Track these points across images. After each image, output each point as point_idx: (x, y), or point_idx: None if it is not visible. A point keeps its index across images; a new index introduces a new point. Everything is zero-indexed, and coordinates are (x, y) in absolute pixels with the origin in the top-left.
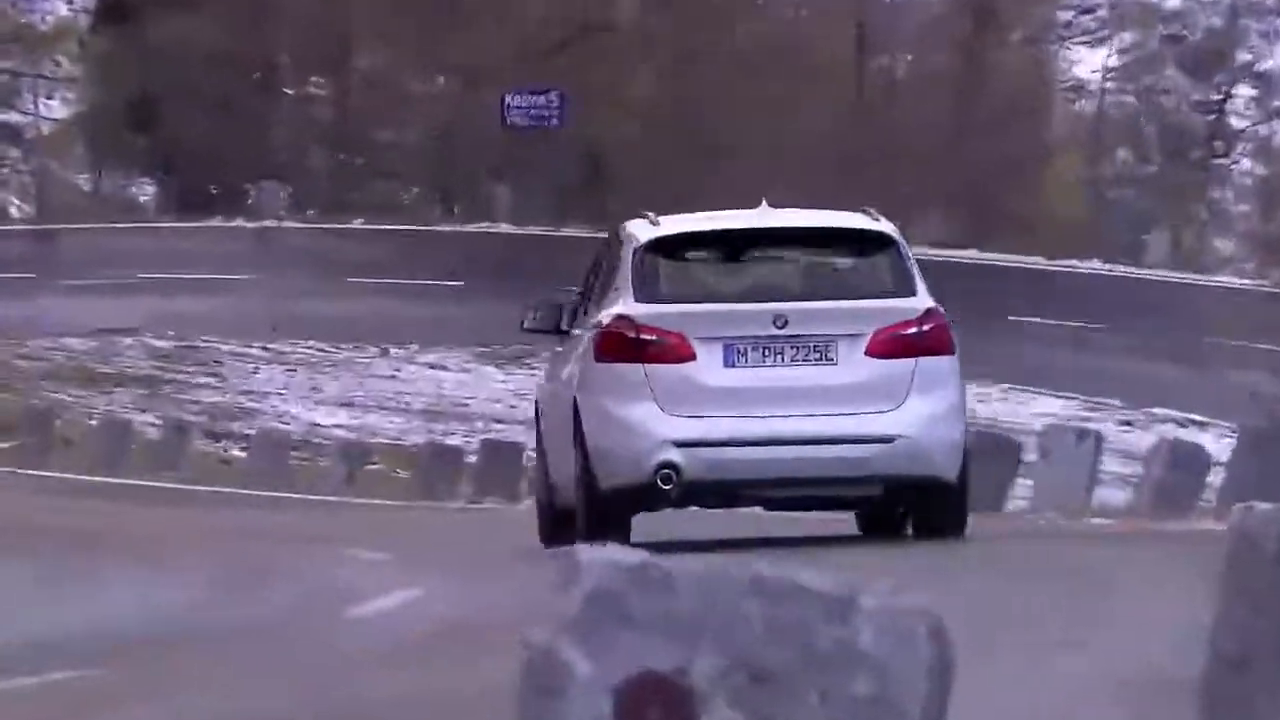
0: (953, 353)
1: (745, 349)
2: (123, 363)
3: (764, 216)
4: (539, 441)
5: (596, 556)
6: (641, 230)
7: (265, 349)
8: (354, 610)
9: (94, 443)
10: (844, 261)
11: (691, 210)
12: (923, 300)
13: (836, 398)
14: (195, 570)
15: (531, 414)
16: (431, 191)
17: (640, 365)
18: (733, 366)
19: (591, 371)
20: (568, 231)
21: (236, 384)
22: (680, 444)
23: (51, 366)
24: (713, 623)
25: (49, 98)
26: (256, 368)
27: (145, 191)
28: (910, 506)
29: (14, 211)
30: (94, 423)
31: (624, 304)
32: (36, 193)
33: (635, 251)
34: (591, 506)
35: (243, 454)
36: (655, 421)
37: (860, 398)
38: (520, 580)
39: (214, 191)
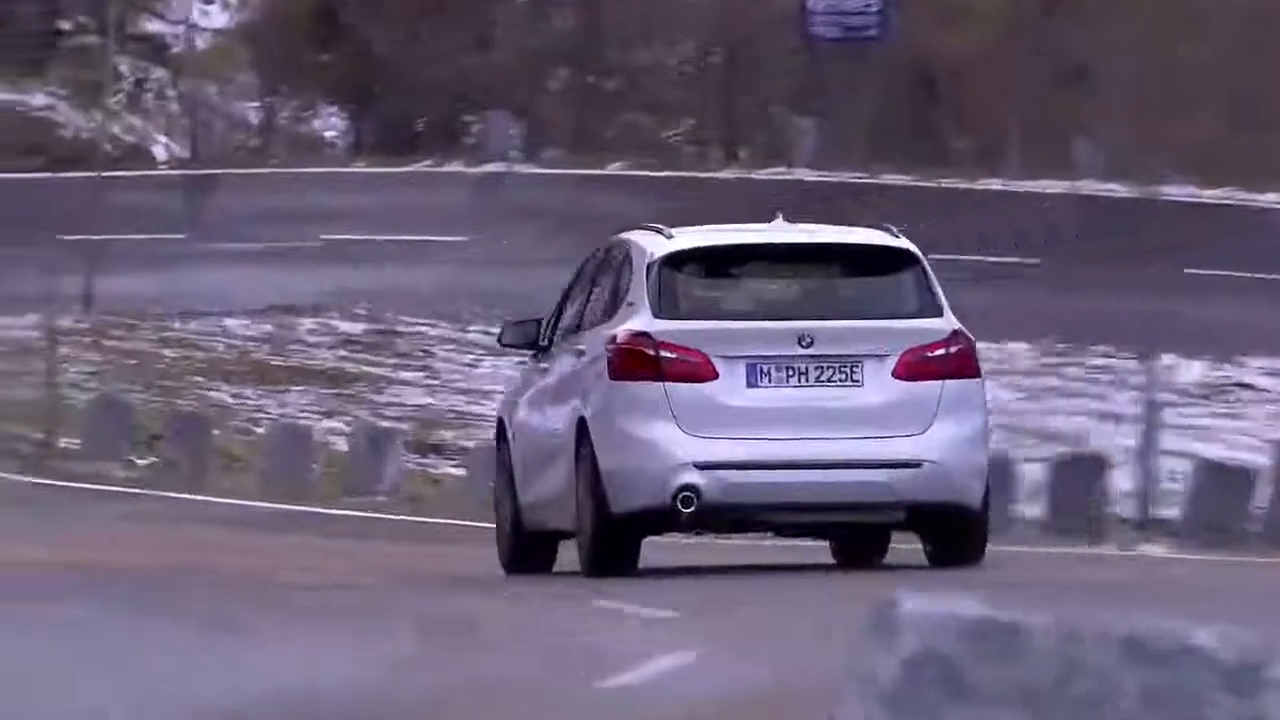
0: (979, 376)
1: (769, 368)
2: (300, 352)
3: (782, 231)
4: (503, 459)
5: (921, 609)
6: (654, 243)
7: (487, 334)
8: (607, 680)
9: (263, 458)
10: (868, 280)
11: (1061, 158)
12: (949, 321)
13: (862, 420)
14: (398, 622)
15: (493, 432)
16: (708, 127)
17: (659, 384)
18: (756, 386)
19: (605, 390)
20: (892, 178)
21: (451, 381)
22: (701, 466)
23: (207, 358)
24: (1075, 694)
25: (206, 1)
26: (477, 359)
27: (331, 126)
28: (931, 533)
29: (160, 153)
30: (263, 431)
31: (640, 320)
32: (190, 128)
33: (650, 265)
34: (601, 532)
35: (459, 472)
36: (675, 442)
37: (886, 420)
38: (817, 635)
39: (421, 127)
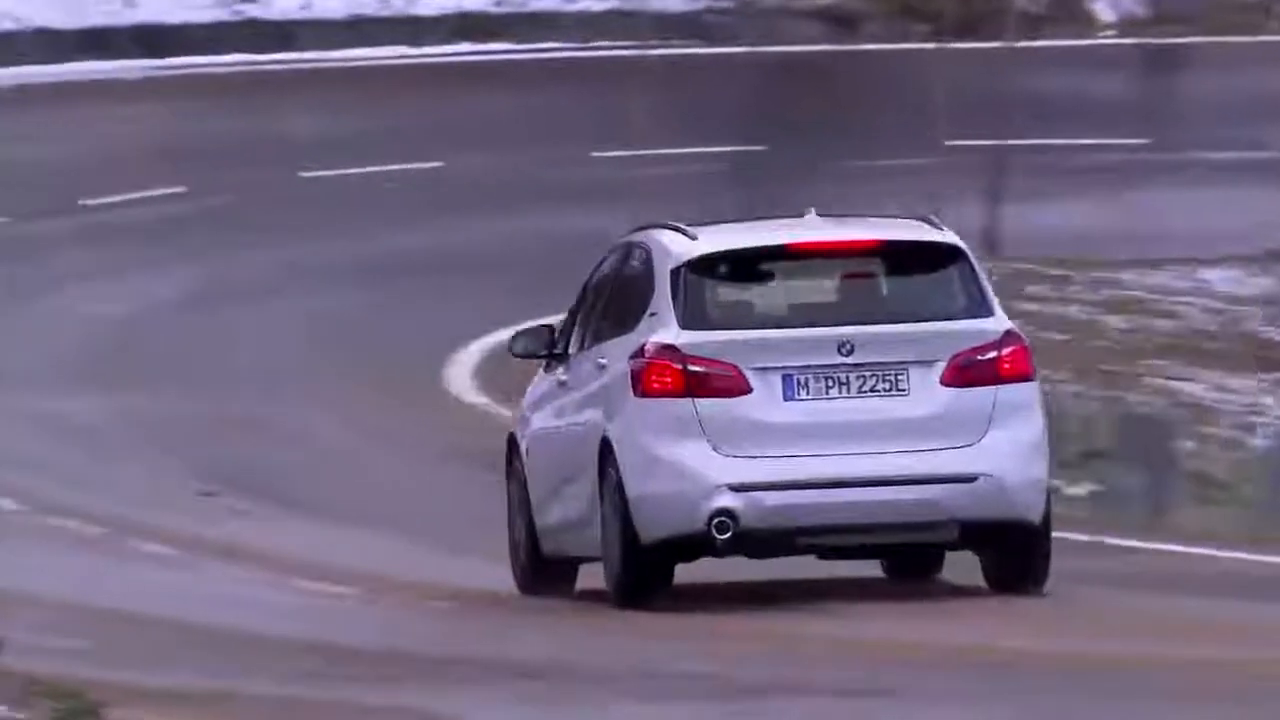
0: (1034, 379)
1: (807, 380)
2: None
3: (815, 228)
4: (517, 478)
5: None
6: (676, 244)
7: None
8: None
9: (1259, 486)
10: (911, 279)
11: None
12: (1000, 321)
13: (910, 432)
14: None
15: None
16: None
17: (689, 400)
18: (793, 400)
19: (630, 408)
20: None
21: None
22: (736, 488)
23: (1175, 330)
24: None
25: None
26: None
27: None
28: (989, 553)
29: (1104, 11)
30: (1261, 445)
31: (667, 332)
32: None
33: (674, 270)
34: (631, 561)
35: None
36: (707, 463)
37: (936, 432)
38: None
39: None
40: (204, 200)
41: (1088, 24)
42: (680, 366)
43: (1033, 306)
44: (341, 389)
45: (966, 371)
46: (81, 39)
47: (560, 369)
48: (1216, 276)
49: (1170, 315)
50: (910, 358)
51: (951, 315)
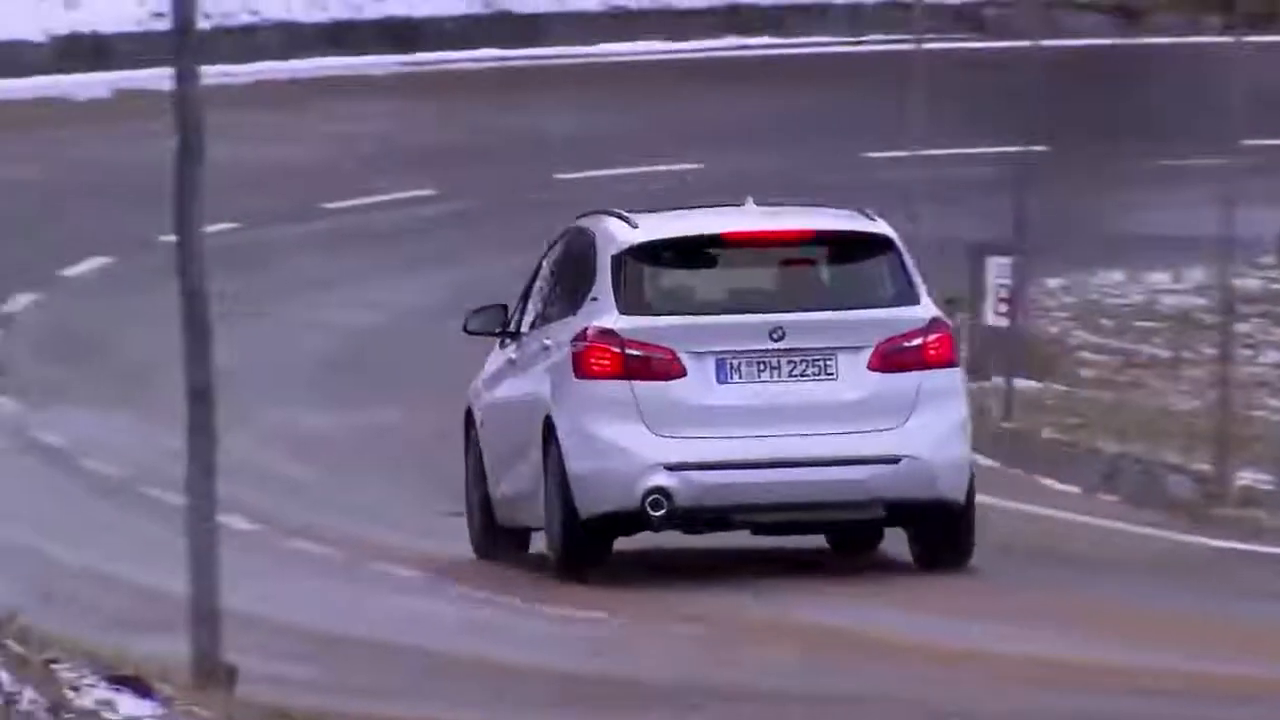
0: (958, 365)
1: (739, 364)
2: None
3: (752, 217)
4: (474, 449)
5: None
6: (619, 231)
7: None
8: None
9: None
10: (841, 267)
11: None
12: (927, 309)
13: (837, 415)
14: None
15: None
16: None
17: (626, 383)
18: (726, 383)
19: (570, 390)
20: None
21: None
22: (671, 468)
23: None
24: None
25: None
26: None
27: None
28: (914, 532)
29: None
30: None
31: (606, 316)
32: None
33: (615, 257)
34: (570, 536)
35: None
36: (643, 444)
37: (863, 415)
38: None
39: None
40: (453, 203)
41: None
42: (618, 350)
43: None
44: None
45: (892, 357)
46: (323, 34)
47: (512, 346)
48: None
49: None
50: (839, 344)
51: (880, 303)
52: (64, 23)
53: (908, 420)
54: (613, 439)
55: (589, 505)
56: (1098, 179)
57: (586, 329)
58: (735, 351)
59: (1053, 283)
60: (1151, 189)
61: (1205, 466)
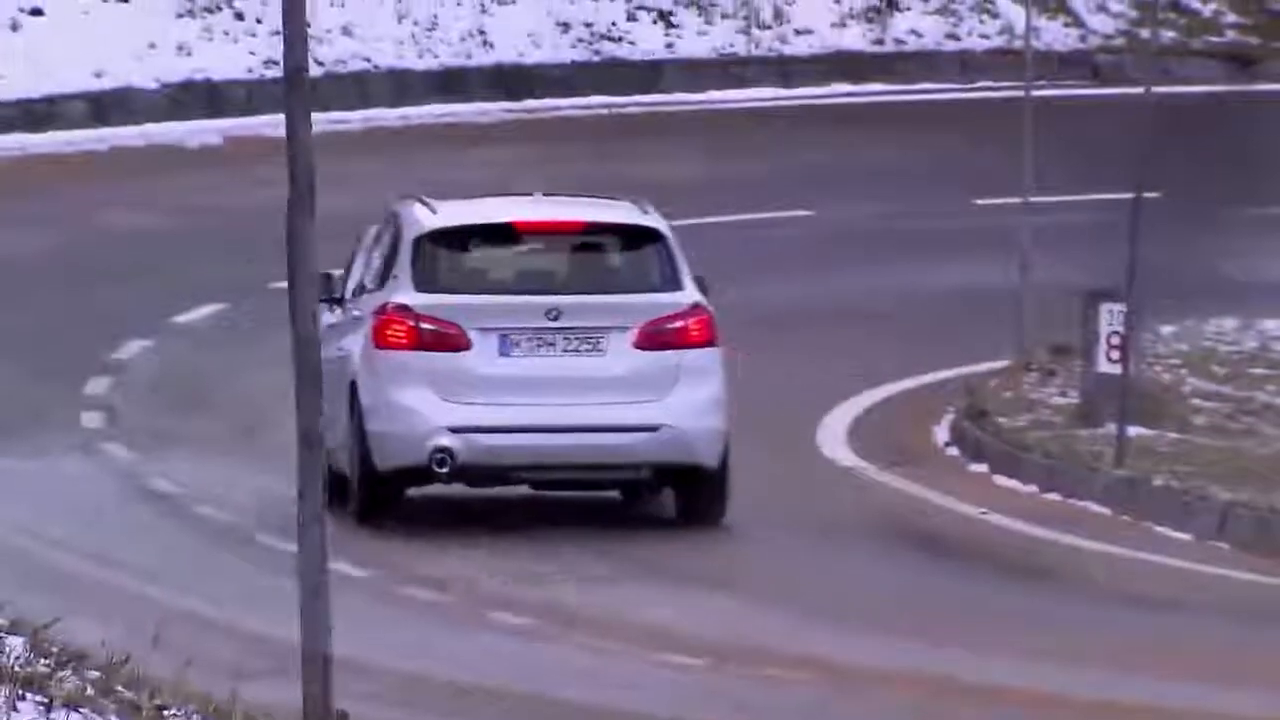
0: (716, 345)
1: (520, 340)
2: None
3: (540, 208)
4: None
5: None
6: (421, 216)
7: None
8: None
9: None
10: (614, 255)
11: None
12: (689, 295)
13: (605, 388)
14: None
15: None
16: None
17: (418, 353)
18: (507, 356)
19: (370, 357)
20: None
21: None
22: (455, 430)
23: None
24: None
25: None
26: None
27: None
28: (675, 491)
29: None
30: None
31: (404, 293)
32: None
33: (415, 239)
34: (367, 484)
35: None
36: (431, 408)
37: (627, 388)
38: None
39: None
40: None
41: None
42: (412, 324)
43: None
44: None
45: (655, 337)
46: (434, 80)
47: (338, 312)
48: None
49: None
50: (608, 324)
51: (646, 288)
52: (177, 70)
53: (668, 394)
54: (404, 403)
55: (384, 460)
56: (1210, 226)
57: (386, 303)
58: (516, 328)
59: (1165, 330)
60: (1265, 236)
61: None
